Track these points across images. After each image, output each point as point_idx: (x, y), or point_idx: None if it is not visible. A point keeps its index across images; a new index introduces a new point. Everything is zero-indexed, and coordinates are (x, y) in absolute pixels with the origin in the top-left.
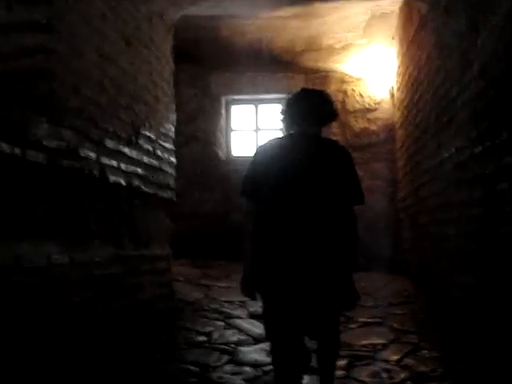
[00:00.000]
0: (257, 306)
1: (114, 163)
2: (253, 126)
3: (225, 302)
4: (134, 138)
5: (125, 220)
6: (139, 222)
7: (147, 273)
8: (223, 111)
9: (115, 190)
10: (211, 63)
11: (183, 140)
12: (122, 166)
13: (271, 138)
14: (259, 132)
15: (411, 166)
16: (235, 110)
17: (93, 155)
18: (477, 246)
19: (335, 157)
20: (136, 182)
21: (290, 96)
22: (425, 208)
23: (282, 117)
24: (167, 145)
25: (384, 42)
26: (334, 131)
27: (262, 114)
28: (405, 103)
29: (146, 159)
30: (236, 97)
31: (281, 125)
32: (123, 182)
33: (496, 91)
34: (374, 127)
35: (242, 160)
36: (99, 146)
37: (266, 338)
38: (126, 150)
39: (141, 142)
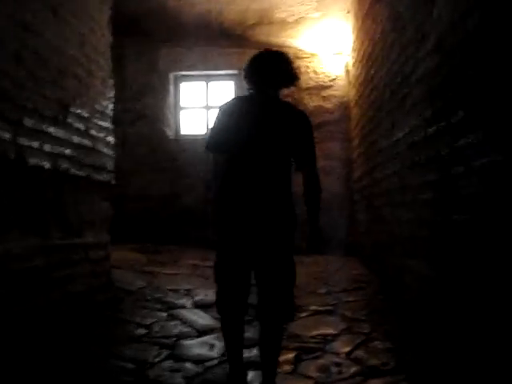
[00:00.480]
0: (202, 295)
1: (35, 144)
2: (203, 104)
3: (170, 290)
4: (61, 117)
5: (51, 207)
6: (70, 208)
7: (80, 263)
8: (171, 88)
9: (37, 174)
10: (159, 37)
11: (130, 118)
12: (46, 147)
13: (234, 97)
14: (210, 110)
15: (366, 145)
16: (184, 86)
17: (7, 135)
18: (430, 232)
19: (290, 119)
20: (64, 165)
21: (251, 56)
22: (379, 190)
23: (244, 76)
24: (104, 123)
25: (339, 15)
26: None
27: (212, 90)
28: (360, 80)
29: (76, 139)
30: (185, 73)
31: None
32: (47, 165)
33: (452, 66)
34: (328, 105)
35: (191, 139)
36: (16, 125)
37: (215, 280)
38: (51, 129)
39: (70, 120)
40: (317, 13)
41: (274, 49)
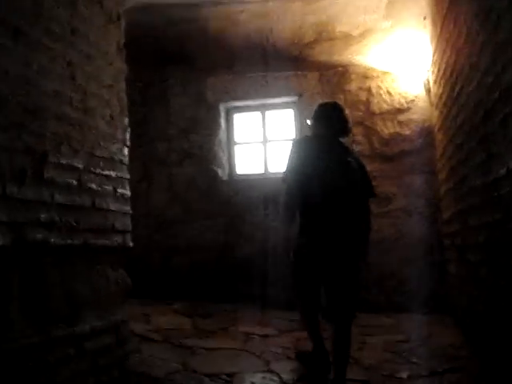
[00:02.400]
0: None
1: None
2: (260, 138)
3: (207, 375)
4: (31, 171)
5: (14, 290)
6: (53, 288)
7: (67, 360)
8: (222, 121)
9: None
10: (205, 65)
11: (176, 159)
12: (2, 215)
13: (303, 136)
14: (268, 144)
15: (455, 180)
16: (238, 119)
17: None
18: None
19: (354, 160)
20: (39, 235)
21: (316, 109)
22: (474, 241)
23: (310, 126)
24: (112, 173)
25: (413, 23)
26: (357, 139)
27: (269, 121)
28: (443, 99)
29: (61, 198)
30: (237, 103)
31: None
32: (4, 240)
33: None
34: (407, 131)
35: (247, 179)
36: None
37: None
38: (14, 189)
39: (50, 174)
40: (386, 22)
41: (331, 101)
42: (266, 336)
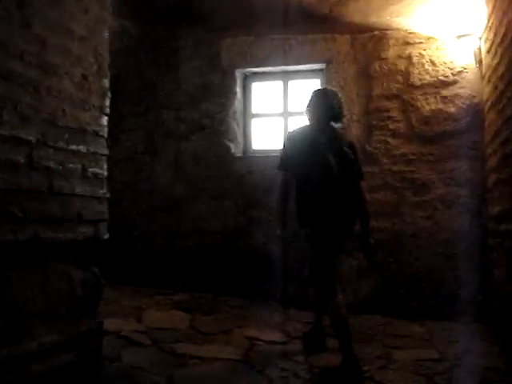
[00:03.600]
0: None
1: None
2: (280, 109)
3: None
4: None
5: None
6: None
7: None
8: (238, 89)
9: None
10: (220, 24)
11: (185, 130)
12: None
13: (299, 127)
14: (289, 117)
15: (509, 170)
16: (256, 87)
17: None
18: None
19: (349, 146)
20: None
21: (316, 91)
22: None
23: (306, 111)
24: (82, 147)
25: None
26: (392, 115)
27: (292, 92)
28: (500, 72)
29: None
30: (257, 69)
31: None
32: None
33: None
34: (451, 108)
35: (263, 156)
36: None
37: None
38: None
39: None
40: None
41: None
42: (273, 343)
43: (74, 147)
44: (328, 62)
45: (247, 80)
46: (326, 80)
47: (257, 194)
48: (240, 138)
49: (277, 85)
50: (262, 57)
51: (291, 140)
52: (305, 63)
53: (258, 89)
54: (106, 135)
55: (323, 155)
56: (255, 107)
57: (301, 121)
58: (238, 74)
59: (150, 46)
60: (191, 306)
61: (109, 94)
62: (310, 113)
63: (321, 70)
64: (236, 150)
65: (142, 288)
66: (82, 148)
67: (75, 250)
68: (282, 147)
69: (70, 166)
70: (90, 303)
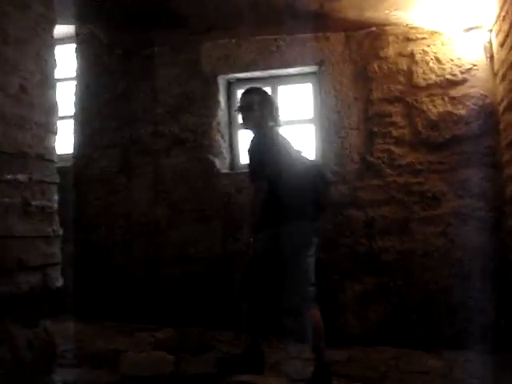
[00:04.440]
0: None
1: None
2: None
3: None
4: None
5: None
6: None
7: None
8: (222, 98)
9: None
10: (200, 25)
11: (164, 146)
12: None
13: (257, 135)
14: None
15: None
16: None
17: None
18: None
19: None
20: None
21: (245, 92)
22: None
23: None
24: (21, 176)
25: None
26: (395, 121)
27: (282, 99)
28: None
29: None
30: (241, 75)
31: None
32: None
33: None
34: (461, 111)
35: None
36: None
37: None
38: None
39: None
40: None
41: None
42: None
43: (9, 177)
44: (320, 63)
45: (231, 87)
46: (319, 83)
47: (247, 214)
48: (226, 153)
49: None
50: (246, 61)
51: (260, 148)
52: (295, 66)
53: None
54: (55, 158)
55: (291, 162)
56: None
57: (294, 130)
58: (221, 80)
59: (123, 53)
60: (177, 345)
61: (57, 108)
62: (260, 116)
63: (313, 72)
64: (222, 165)
65: (123, 323)
66: (21, 177)
67: (17, 304)
68: (250, 157)
69: (5, 200)
70: (42, 369)
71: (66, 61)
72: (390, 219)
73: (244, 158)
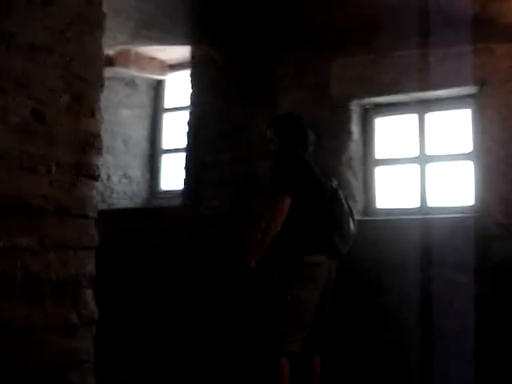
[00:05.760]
0: None
1: None
2: (415, 153)
3: None
4: None
5: None
6: None
7: None
8: (355, 128)
9: None
10: (329, 40)
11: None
12: None
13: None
14: (427, 163)
15: None
16: (380, 124)
17: None
18: None
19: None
20: None
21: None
22: None
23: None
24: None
25: None
26: None
27: (431, 128)
28: None
29: None
30: (380, 99)
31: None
32: None
33: None
34: None
35: (395, 219)
36: None
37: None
38: None
39: None
40: None
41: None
42: None
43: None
44: (482, 83)
45: (367, 115)
46: (480, 109)
47: (383, 272)
48: (358, 194)
49: (409, 119)
50: (386, 82)
51: (294, 162)
52: (447, 87)
53: (383, 126)
54: (90, 213)
55: (322, 182)
56: (379, 151)
57: (446, 167)
58: (354, 107)
59: (240, 76)
60: None
61: (98, 143)
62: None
63: (471, 95)
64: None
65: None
66: (23, 241)
67: None
68: (282, 168)
69: None
70: None
71: (181, 88)
72: None
73: (382, 202)
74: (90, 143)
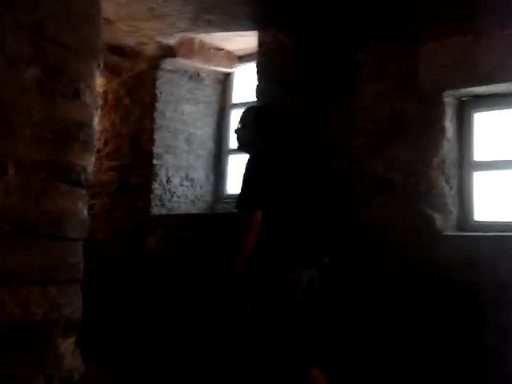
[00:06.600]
0: None
1: None
2: None
3: None
4: None
5: None
6: None
7: None
8: (449, 124)
9: None
10: (417, 21)
11: (361, 190)
12: None
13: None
14: None
15: None
16: (480, 120)
17: None
18: None
19: None
20: None
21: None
22: None
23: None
24: None
25: None
26: None
27: None
28: None
29: None
30: (480, 90)
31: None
32: None
33: None
34: None
35: (498, 236)
36: None
37: None
38: None
39: None
40: None
41: None
42: None
43: None
44: None
45: (464, 108)
46: None
47: (481, 301)
48: (452, 204)
49: None
50: (488, 69)
51: (253, 169)
52: None
53: (483, 122)
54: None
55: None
56: (479, 153)
57: None
58: (449, 98)
59: (314, 66)
60: None
61: (87, 139)
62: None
63: None
64: (445, 223)
65: None
66: None
67: None
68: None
69: None
70: None
71: (250, 82)
72: None
73: (481, 214)
74: (71, 135)
